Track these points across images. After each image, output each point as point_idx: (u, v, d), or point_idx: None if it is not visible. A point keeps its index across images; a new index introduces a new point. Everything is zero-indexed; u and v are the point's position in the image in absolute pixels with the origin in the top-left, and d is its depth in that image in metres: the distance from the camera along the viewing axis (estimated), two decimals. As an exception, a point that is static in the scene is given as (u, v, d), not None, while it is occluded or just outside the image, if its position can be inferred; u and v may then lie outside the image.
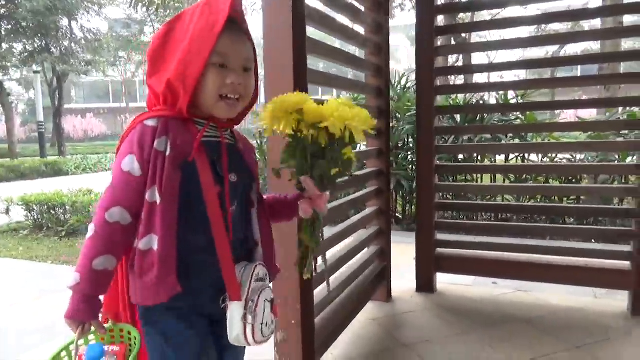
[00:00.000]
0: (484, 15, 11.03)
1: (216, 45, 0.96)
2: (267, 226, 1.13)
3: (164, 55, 1.01)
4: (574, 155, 4.45)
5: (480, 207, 3.75)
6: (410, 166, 4.76)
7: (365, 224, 2.54)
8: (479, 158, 4.60)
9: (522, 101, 4.67)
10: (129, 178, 0.95)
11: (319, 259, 1.22)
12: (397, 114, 4.82)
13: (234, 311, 0.98)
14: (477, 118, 4.56)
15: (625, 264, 2.36)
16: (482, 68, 3.18)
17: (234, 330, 0.98)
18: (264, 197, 1.17)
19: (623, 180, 4.21)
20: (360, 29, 2.52)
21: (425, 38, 2.64)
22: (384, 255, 2.64)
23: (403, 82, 5.13)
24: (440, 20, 9.10)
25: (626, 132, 3.99)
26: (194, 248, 0.98)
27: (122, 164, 0.95)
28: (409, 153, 4.81)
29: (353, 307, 2.24)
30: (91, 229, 0.95)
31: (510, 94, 4.79)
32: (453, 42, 8.69)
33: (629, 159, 4.04)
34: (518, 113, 4.41)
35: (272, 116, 1.06)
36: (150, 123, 0.97)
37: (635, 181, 2.35)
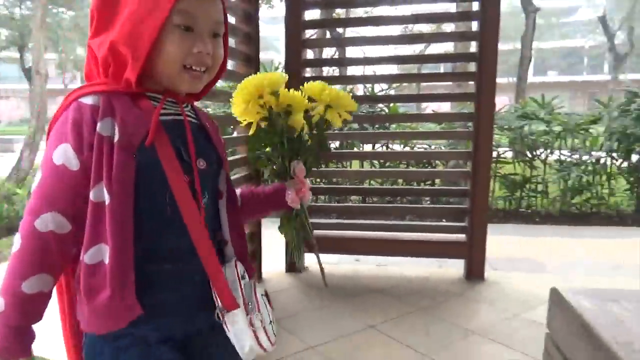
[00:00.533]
0: (360, 12, 11.63)
1: (179, 2, 0.75)
2: (237, 220, 0.93)
3: (114, 8, 0.78)
4: (430, 144, 4.98)
5: (349, 190, 4.04)
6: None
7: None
8: (349, 146, 4.91)
9: (385, 94, 5.08)
10: (63, 173, 0.73)
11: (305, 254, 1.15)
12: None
13: (238, 321, 0.81)
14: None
15: (462, 237, 2.75)
16: (348, 62, 3.43)
17: (246, 341, 0.81)
18: (237, 189, 0.98)
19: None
20: (231, 19, 2.57)
21: (294, 31, 2.77)
22: (255, 238, 2.75)
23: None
24: (316, 14, 9.41)
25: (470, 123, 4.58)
26: (158, 256, 0.78)
27: (54, 155, 0.74)
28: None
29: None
30: (17, 241, 0.74)
31: (382, 87, 5.18)
32: (329, 36, 9.07)
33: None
34: (384, 105, 4.79)
35: (244, 102, 1.01)
36: (89, 101, 0.76)
37: (468, 166, 2.74)
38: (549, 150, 4.83)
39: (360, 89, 5.30)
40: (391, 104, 4.68)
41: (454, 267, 2.91)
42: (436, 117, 3.77)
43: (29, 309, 0.73)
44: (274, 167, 1.07)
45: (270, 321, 0.86)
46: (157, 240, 0.78)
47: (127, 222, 0.74)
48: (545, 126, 4.68)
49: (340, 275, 2.85)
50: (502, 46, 2.90)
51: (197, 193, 0.81)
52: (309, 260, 3.05)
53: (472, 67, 2.64)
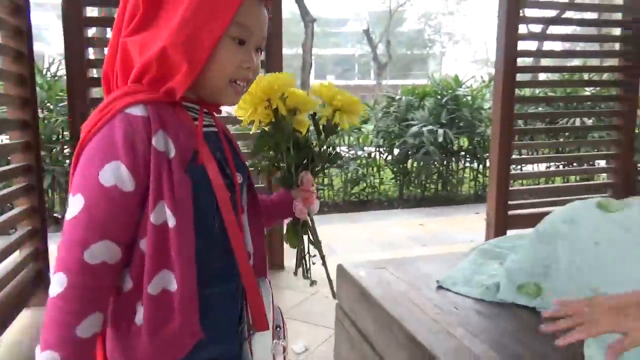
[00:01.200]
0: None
1: (238, 14, 0.68)
2: (260, 234, 0.86)
3: (160, 3, 0.68)
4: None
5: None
6: (68, 161, 4.46)
7: (14, 225, 2.32)
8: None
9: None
10: (116, 195, 0.63)
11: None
12: (49, 104, 4.42)
13: (260, 343, 0.76)
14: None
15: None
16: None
17: None
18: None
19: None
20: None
21: (74, 29, 2.56)
22: (41, 256, 2.47)
23: (53, 69, 4.72)
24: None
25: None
26: (211, 278, 0.72)
27: (101, 176, 0.63)
28: (66, 147, 4.50)
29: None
30: (60, 281, 0.62)
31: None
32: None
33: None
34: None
35: (251, 106, 0.93)
36: (138, 112, 0.66)
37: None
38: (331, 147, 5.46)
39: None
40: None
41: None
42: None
43: (86, 355, 0.63)
44: (279, 174, 1.02)
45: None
46: (207, 262, 0.71)
47: (190, 244, 0.67)
48: (326, 126, 5.27)
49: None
50: (286, 51, 3.16)
51: (239, 209, 0.77)
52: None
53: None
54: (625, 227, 1.27)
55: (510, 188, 2.78)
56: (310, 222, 1.03)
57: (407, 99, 5.50)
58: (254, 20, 0.72)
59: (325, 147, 1.04)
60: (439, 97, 5.36)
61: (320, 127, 1.05)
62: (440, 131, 4.94)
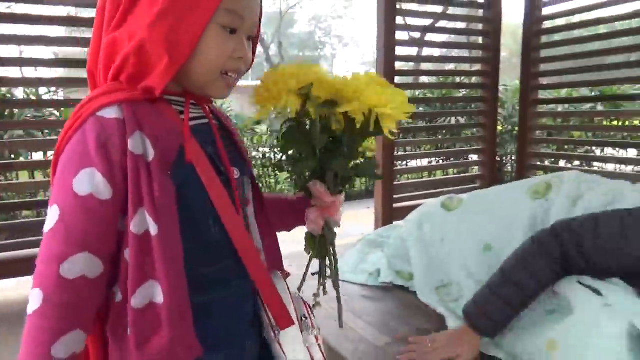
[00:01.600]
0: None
1: (230, 0, 0.63)
2: (268, 226, 0.81)
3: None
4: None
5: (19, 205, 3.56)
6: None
7: None
8: (12, 155, 4.29)
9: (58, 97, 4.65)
10: (92, 204, 0.58)
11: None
12: None
13: (292, 341, 0.70)
14: (6, 113, 4.24)
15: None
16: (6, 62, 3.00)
17: None
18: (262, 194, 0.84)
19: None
20: None
21: None
22: None
23: None
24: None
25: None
26: (209, 283, 0.67)
27: (75, 184, 0.58)
28: None
29: None
30: (37, 297, 0.57)
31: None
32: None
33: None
34: (53, 109, 4.38)
35: (269, 94, 0.79)
36: (111, 114, 0.60)
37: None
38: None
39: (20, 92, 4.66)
40: (62, 109, 4.33)
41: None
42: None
43: None
44: (294, 177, 0.90)
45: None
46: (204, 267, 0.66)
47: (178, 251, 0.62)
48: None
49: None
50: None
51: (237, 206, 0.70)
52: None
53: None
54: (462, 222, 1.46)
55: (395, 183, 2.99)
56: (328, 237, 0.90)
57: (300, 100, 5.63)
58: (245, 6, 0.66)
59: (357, 153, 0.88)
60: (330, 98, 5.56)
61: (353, 127, 0.85)
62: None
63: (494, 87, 3.34)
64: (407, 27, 3.36)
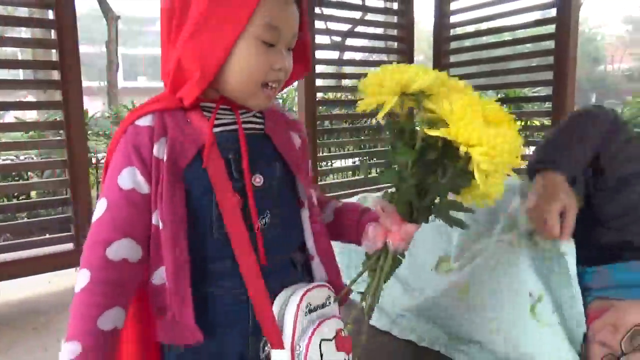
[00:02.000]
0: None
1: (265, 15, 0.67)
2: (323, 233, 0.80)
3: (189, 16, 0.67)
4: (18, 155, 4.51)
5: None
6: None
7: None
8: None
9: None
10: (134, 197, 0.69)
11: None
12: None
13: None
14: None
15: (70, 246, 2.71)
16: None
17: None
18: (330, 200, 0.87)
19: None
20: None
21: None
22: None
23: None
24: None
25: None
26: (211, 277, 0.72)
27: (120, 180, 0.69)
28: None
29: None
30: (84, 276, 0.66)
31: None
32: None
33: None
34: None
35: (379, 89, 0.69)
36: (145, 122, 0.71)
37: (66, 174, 2.72)
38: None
39: None
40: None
41: (65, 279, 2.83)
42: (22, 126, 3.49)
43: (107, 347, 0.66)
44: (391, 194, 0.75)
45: None
46: (207, 262, 0.72)
47: (181, 246, 0.68)
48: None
49: None
50: (88, 49, 2.96)
51: (252, 215, 0.71)
52: None
53: (55, 74, 2.61)
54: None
55: (320, 183, 3.06)
56: (383, 264, 0.76)
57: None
58: (283, 21, 0.70)
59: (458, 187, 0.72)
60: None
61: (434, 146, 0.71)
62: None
63: None
64: (328, 32, 3.46)
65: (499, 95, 4.95)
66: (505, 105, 4.66)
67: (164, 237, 0.69)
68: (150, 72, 32.65)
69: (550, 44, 3.11)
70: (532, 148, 1.32)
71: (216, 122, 0.74)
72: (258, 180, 0.74)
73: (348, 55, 5.74)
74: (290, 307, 0.71)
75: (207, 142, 0.70)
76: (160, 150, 0.70)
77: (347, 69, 3.57)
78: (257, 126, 0.78)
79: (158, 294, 0.72)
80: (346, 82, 3.58)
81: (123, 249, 0.68)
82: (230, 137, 0.73)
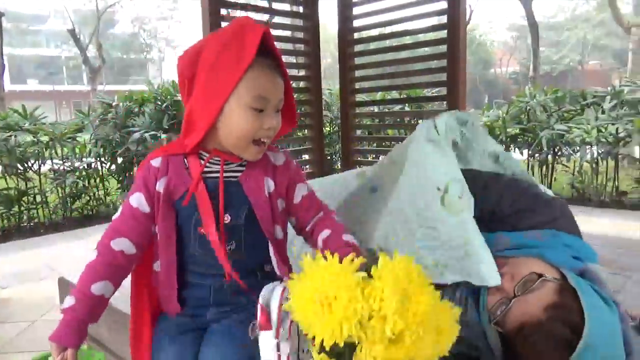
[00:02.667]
0: None
1: (257, 88, 0.89)
2: (284, 261, 1.07)
3: (190, 83, 0.93)
4: None
5: None
6: None
7: None
8: None
9: None
10: (137, 213, 0.98)
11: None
12: None
13: (266, 342, 0.87)
14: None
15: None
16: None
17: None
18: (324, 227, 1.02)
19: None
20: None
21: None
22: None
23: None
24: None
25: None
26: (190, 269, 1.02)
27: (131, 199, 0.99)
28: None
29: None
30: (94, 254, 0.97)
31: None
32: None
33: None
34: None
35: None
36: (156, 163, 0.98)
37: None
38: (40, 161, 4.84)
39: None
40: None
41: None
42: None
43: (93, 307, 0.94)
44: None
45: (303, 350, 0.87)
46: (189, 263, 1.01)
47: (171, 248, 0.99)
48: (32, 137, 4.66)
49: None
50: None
51: (222, 242, 0.97)
52: None
53: None
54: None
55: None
56: None
57: (126, 105, 5.31)
58: (270, 92, 0.91)
59: None
60: (159, 102, 5.37)
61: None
62: (164, 136, 4.97)
63: (318, 91, 3.63)
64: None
65: (402, 96, 5.23)
66: (407, 105, 4.96)
67: (159, 243, 1.00)
68: (42, 75, 30.15)
69: (444, 48, 3.37)
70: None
71: (206, 169, 0.98)
72: (226, 218, 0.98)
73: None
74: (274, 296, 0.87)
75: (192, 184, 0.96)
76: (160, 186, 0.97)
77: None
78: (236, 174, 1.00)
79: (157, 276, 1.04)
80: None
81: (122, 244, 0.97)
82: (214, 183, 0.97)
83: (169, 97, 5.37)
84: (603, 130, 4.73)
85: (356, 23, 3.69)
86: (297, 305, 0.70)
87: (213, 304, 1.02)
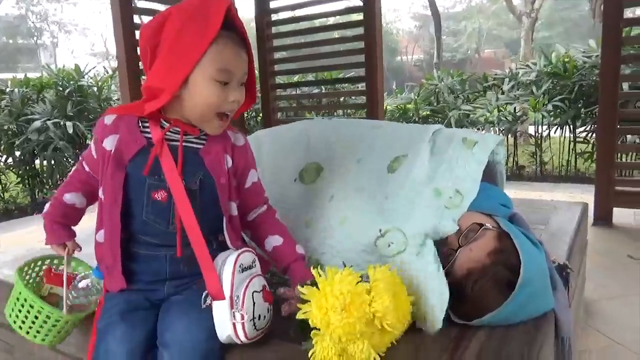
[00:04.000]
0: None
1: (221, 61, 0.89)
2: (237, 237, 1.05)
3: (152, 53, 0.92)
4: None
5: None
6: None
7: None
8: None
9: None
10: (80, 168, 1.05)
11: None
12: None
13: (220, 311, 0.88)
14: None
15: None
16: None
17: (224, 331, 0.88)
18: (274, 232, 1.08)
19: None
20: None
21: None
22: None
23: None
24: None
25: None
26: (143, 243, 0.98)
27: (83, 152, 1.04)
28: None
29: None
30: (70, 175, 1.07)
31: None
32: None
33: None
34: None
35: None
36: (107, 121, 0.98)
37: None
38: None
39: None
40: None
41: None
42: None
43: (66, 212, 1.05)
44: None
45: (258, 317, 0.90)
46: (139, 233, 0.98)
47: (114, 217, 0.95)
48: None
49: None
50: None
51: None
52: None
53: None
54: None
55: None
56: None
57: (22, 92, 4.84)
58: (234, 65, 0.90)
59: None
60: (61, 88, 4.97)
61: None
62: (69, 124, 4.61)
63: (264, 76, 3.58)
64: (144, 11, 3.29)
65: (319, 78, 5.29)
66: (323, 87, 5.04)
67: (104, 206, 0.97)
68: None
69: (360, 30, 3.46)
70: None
71: (166, 136, 0.95)
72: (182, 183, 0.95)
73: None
74: (227, 266, 0.90)
75: (156, 145, 0.93)
76: (108, 144, 0.95)
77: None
78: (195, 145, 0.98)
79: (99, 247, 1.01)
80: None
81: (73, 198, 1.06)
82: (172, 148, 0.95)
83: (71, 82, 4.99)
84: (503, 109, 5.15)
85: (272, 4, 3.67)
86: (318, 311, 0.82)
87: (169, 277, 0.98)
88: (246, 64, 0.94)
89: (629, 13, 2.96)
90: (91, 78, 5.36)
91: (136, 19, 3.30)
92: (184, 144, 0.96)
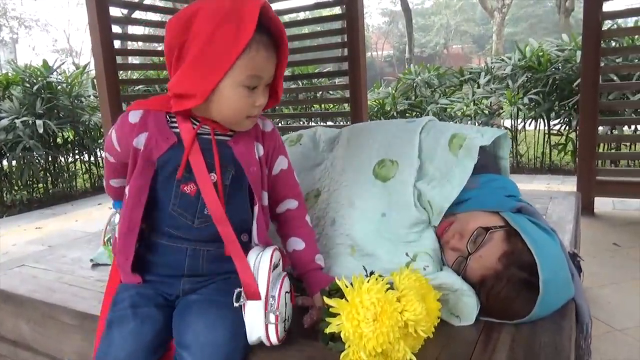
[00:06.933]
0: None
1: (252, 68, 0.86)
2: (265, 229, 1.00)
3: (180, 54, 0.87)
4: None
5: None
6: None
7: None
8: None
9: None
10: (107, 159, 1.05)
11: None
12: None
13: (254, 312, 0.84)
14: None
15: None
16: None
17: (256, 331, 0.84)
18: (297, 234, 1.04)
19: None
20: None
21: None
22: None
23: None
24: None
25: None
26: (163, 232, 0.96)
27: (105, 145, 1.04)
28: None
29: None
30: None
31: None
32: None
33: None
34: None
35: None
36: (133, 120, 0.94)
37: None
38: None
39: None
40: None
41: None
42: None
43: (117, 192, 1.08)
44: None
45: (287, 319, 0.88)
46: (165, 225, 0.94)
47: (136, 213, 0.93)
48: None
49: None
50: None
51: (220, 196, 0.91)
52: None
53: None
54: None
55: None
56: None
57: (-14, 89, 4.63)
58: (264, 69, 0.88)
59: None
60: (29, 85, 4.76)
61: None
62: (39, 122, 4.42)
63: None
64: (120, 4, 3.18)
65: (302, 72, 5.23)
66: (306, 81, 4.99)
67: (127, 203, 0.94)
68: None
69: (339, 24, 3.43)
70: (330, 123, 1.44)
71: (202, 131, 0.93)
72: (212, 177, 0.91)
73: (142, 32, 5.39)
74: (262, 264, 0.86)
75: (187, 145, 0.90)
76: (139, 142, 0.92)
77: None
78: (225, 138, 0.95)
79: (115, 241, 1.03)
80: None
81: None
82: (203, 142, 0.92)
83: (40, 78, 4.79)
84: (479, 103, 5.22)
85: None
86: (349, 323, 0.78)
87: (187, 273, 0.94)
88: (274, 66, 0.91)
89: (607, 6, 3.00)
90: (60, 74, 5.17)
91: (112, 11, 3.19)
92: (221, 137, 0.94)
